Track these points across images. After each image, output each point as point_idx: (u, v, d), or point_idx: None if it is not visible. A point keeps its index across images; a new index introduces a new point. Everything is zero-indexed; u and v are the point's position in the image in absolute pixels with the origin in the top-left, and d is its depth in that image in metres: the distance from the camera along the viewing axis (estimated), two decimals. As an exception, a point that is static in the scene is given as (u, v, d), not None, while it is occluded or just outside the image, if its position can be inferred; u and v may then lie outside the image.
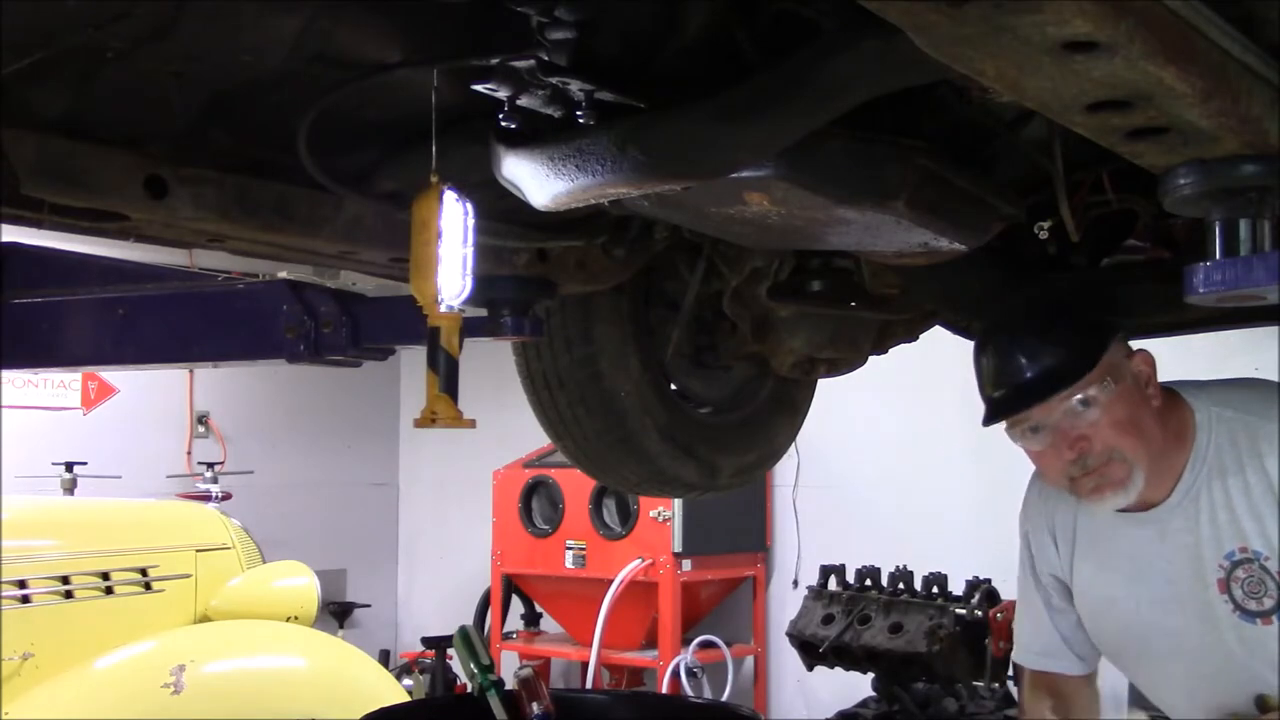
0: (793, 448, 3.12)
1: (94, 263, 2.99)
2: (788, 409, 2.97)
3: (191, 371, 7.27)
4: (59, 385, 6.79)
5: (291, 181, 1.79)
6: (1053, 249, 2.31)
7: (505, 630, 6.89)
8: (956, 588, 5.12)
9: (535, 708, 2.23)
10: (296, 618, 3.85)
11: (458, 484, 7.95)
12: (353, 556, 8.09)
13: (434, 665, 6.71)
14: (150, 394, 7.21)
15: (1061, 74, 1.05)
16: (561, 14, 1.35)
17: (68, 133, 1.58)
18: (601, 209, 1.83)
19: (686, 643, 6.18)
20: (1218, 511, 1.96)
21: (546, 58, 1.39)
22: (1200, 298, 1.34)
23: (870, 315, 2.57)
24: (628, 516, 6.28)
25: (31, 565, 3.35)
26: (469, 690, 2.33)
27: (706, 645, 6.20)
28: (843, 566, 5.56)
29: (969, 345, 2.62)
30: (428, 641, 6.74)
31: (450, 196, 1.59)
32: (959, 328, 2.74)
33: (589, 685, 6.23)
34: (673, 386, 2.71)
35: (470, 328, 1.75)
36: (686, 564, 6.18)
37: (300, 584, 3.97)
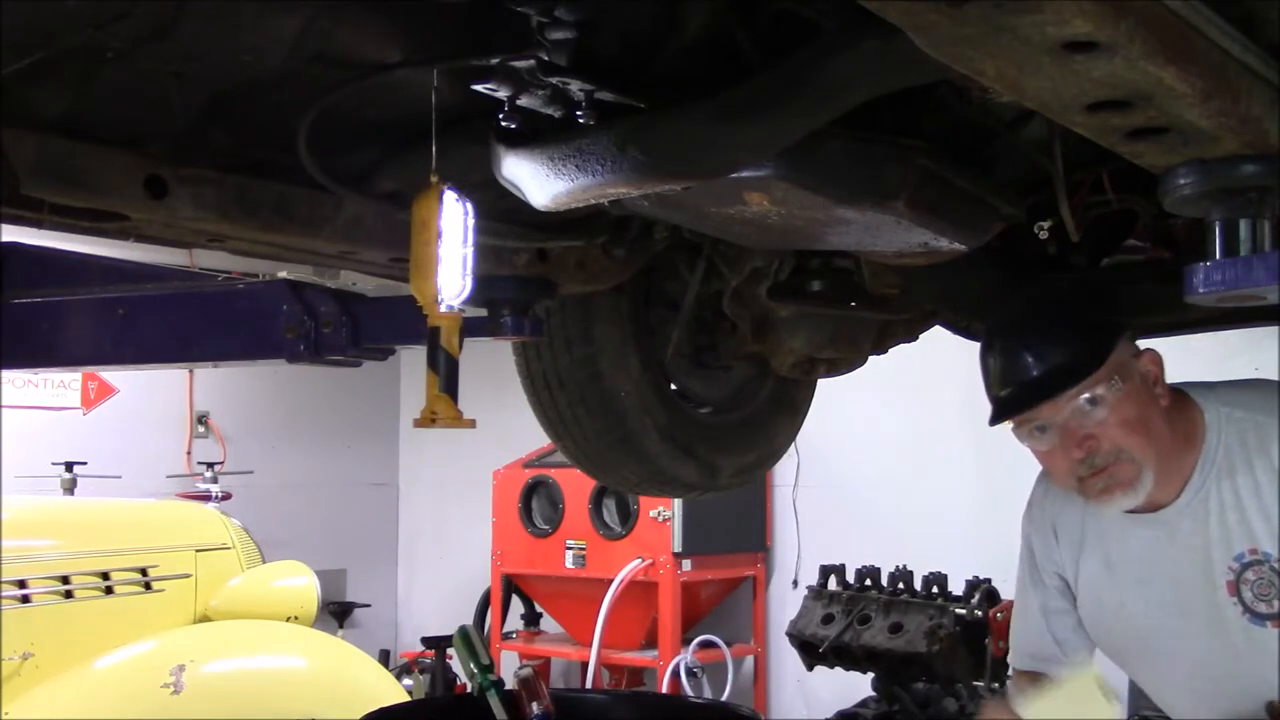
0: (793, 448, 3.12)
1: (94, 263, 2.99)
2: (788, 409, 2.97)
3: (191, 371, 7.27)
4: (59, 385, 6.79)
5: (291, 181, 1.79)
6: (1053, 249, 2.31)
7: (505, 630, 6.89)
8: (956, 588, 5.12)
9: (535, 708, 2.24)
10: (296, 618, 3.85)
11: (458, 484, 7.95)
12: (353, 556, 8.09)
13: (434, 665, 6.71)
14: (150, 394, 7.21)
15: (1061, 74, 1.05)
16: (561, 14, 1.35)
17: (68, 133, 1.58)
18: (601, 209, 1.83)
19: (686, 643, 6.18)
20: (1227, 513, 1.94)
21: (546, 58, 1.39)
22: (1200, 298, 1.34)
23: (870, 315, 2.57)
24: (628, 516, 6.27)
25: (31, 565, 3.35)
26: (469, 690, 2.33)
27: (706, 645, 6.20)
28: (843, 566, 5.56)
29: (969, 345, 2.62)
30: (428, 641, 6.74)
31: (450, 196, 1.59)
32: (959, 328, 2.74)
33: (589, 685, 6.23)
34: (673, 386, 2.71)
35: (470, 328, 1.75)
36: (686, 564, 6.18)
37: (300, 584, 3.97)
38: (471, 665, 2.31)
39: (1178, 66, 1.06)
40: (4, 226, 1.82)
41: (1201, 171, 1.29)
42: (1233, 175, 1.29)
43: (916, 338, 2.79)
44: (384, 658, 6.71)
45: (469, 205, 1.61)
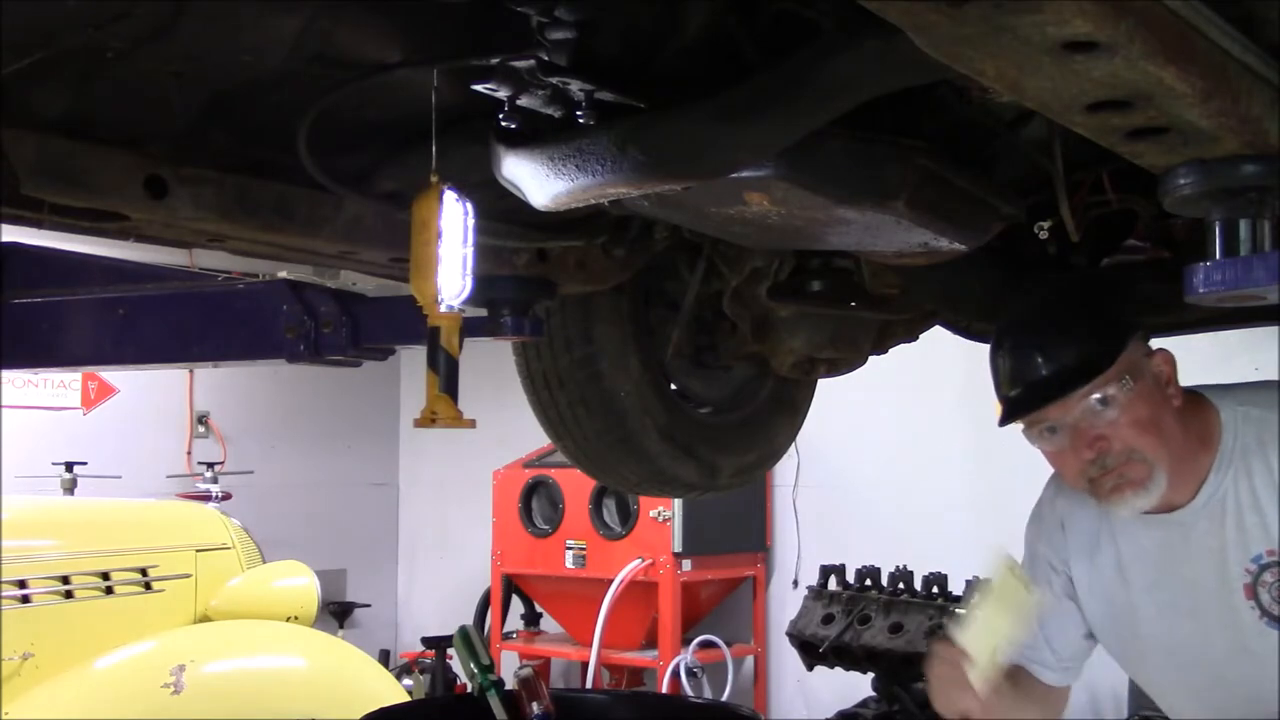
0: (793, 448, 3.12)
1: (94, 263, 2.99)
2: (788, 409, 2.97)
3: (191, 371, 7.27)
4: (59, 385, 6.79)
5: (291, 181, 1.79)
6: (1053, 249, 2.31)
7: (505, 630, 6.89)
8: (956, 588, 5.12)
9: (535, 708, 2.24)
10: (296, 618, 3.85)
11: (458, 484, 7.96)
12: (353, 556, 8.09)
13: (434, 665, 6.71)
14: (150, 394, 7.21)
15: (1061, 74, 1.05)
16: (561, 14, 1.35)
17: (68, 133, 1.58)
18: (601, 209, 1.83)
19: (686, 643, 6.18)
20: (1245, 514, 1.91)
21: (546, 58, 1.39)
22: (1200, 298, 1.34)
23: (870, 315, 2.57)
24: (628, 516, 6.28)
25: (31, 565, 3.35)
26: (469, 690, 2.33)
27: (706, 645, 6.20)
28: (843, 566, 5.56)
29: (969, 345, 2.63)
30: (428, 641, 6.74)
31: (450, 196, 1.59)
32: (959, 328, 2.73)
33: (589, 685, 6.23)
34: (673, 386, 2.71)
35: (470, 328, 1.75)
36: (686, 564, 6.18)
37: (300, 584, 3.97)
38: (471, 665, 2.31)
39: (1178, 66, 1.06)
40: (4, 226, 1.82)
41: (1201, 171, 1.29)
42: (1233, 175, 1.29)
43: (916, 338, 2.79)
44: (384, 658, 6.71)
45: (469, 205, 1.61)
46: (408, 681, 6.44)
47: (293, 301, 2.64)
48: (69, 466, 6.23)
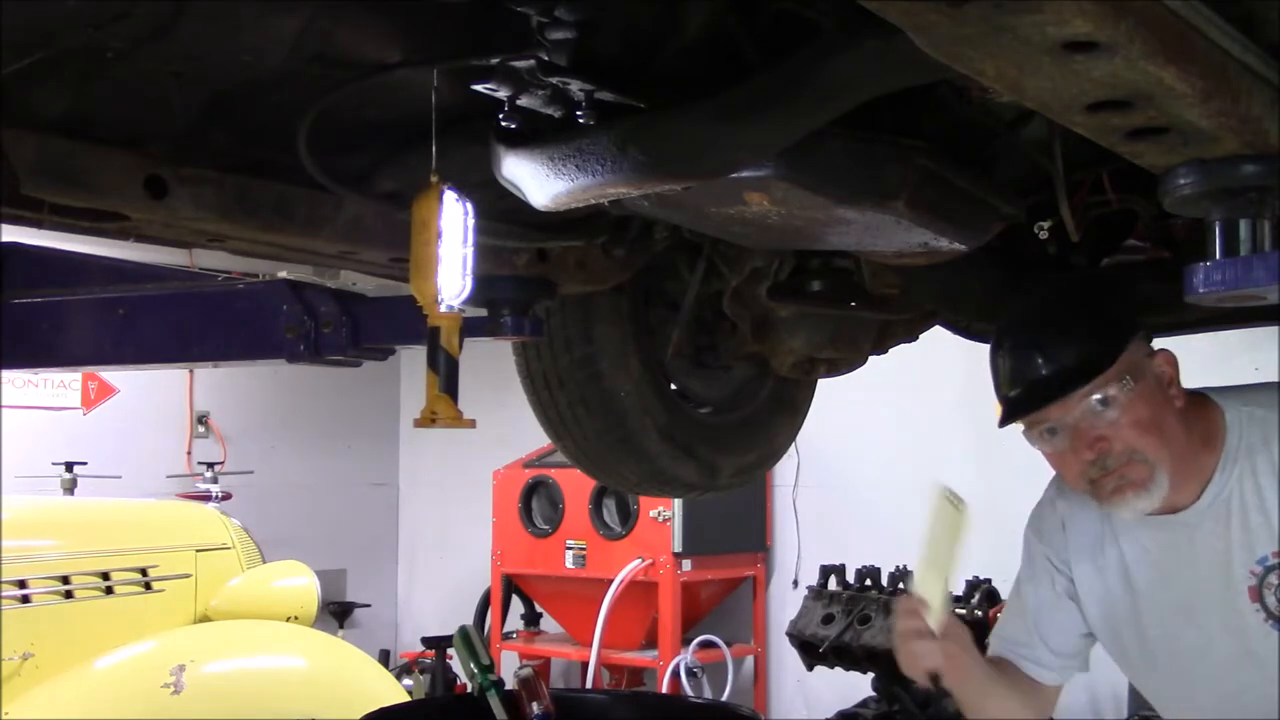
0: (793, 448, 3.12)
1: (94, 263, 2.99)
2: (788, 409, 2.97)
3: (191, 371, 7.27)
4: (59, 385, 6.79)
5: (291, 181, 1.79)
6: (1053, 249, 2.31)
7: (505, 630, 6.89)
8: (956, 588, 5.12)
9: (535, 708, 2.24)
10: (296, 618, 3.85)
11: (458, 484, 7.96)
12: (353, 556, 8.09)
13: (434, 665, 6.71)
14: (150, 394, 7.21)
15: (1061, 74, 1.05)
16: (561, 14, 1.35)
17: (68, 133, 1.58)
18: (601, 209, 1.83)
19: (686, 643, 6.18)
20: (1250, 514, 1.88)
21: (546, 58, 1.39)
22: (1200, 298, 1.34)
23: (870, 315, 2.57)
24: (628, 516, 6.28)
25: (31, 565, 3.35)
26: (469, 690, 2.34)
27: (706, 645, 6.20)
28: (843, 566, 5.56)
29: (969, 345, 2.63)
30: (428, 641, 6.74)
31: (450, 196, 1.59)
32: (959, 328, 2.73)
33: (589, 685, 6.23)
34: (673, 386, 2.71)
35: (470, 328, 1.75)
36: (686, 564, 6.18)
37: (300, 584, 3.97)
38: (471, 665, 2.31)
39: (1178, 66, 1.06)
40: (4, 226, 1.82)
41: (1201, 171, 1.29)
42: (1233, 175, 1.29)
43: (916, 338, 2.79)
44: (384, 658, 6.71)
45: (469, 205, 1.61)
46: (408, 681, 6.44)
47: (293, 301, 2.64)
48: (69, 466, 6.23)
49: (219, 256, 2.20)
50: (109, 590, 3.50)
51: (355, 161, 1.77)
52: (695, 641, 6.18)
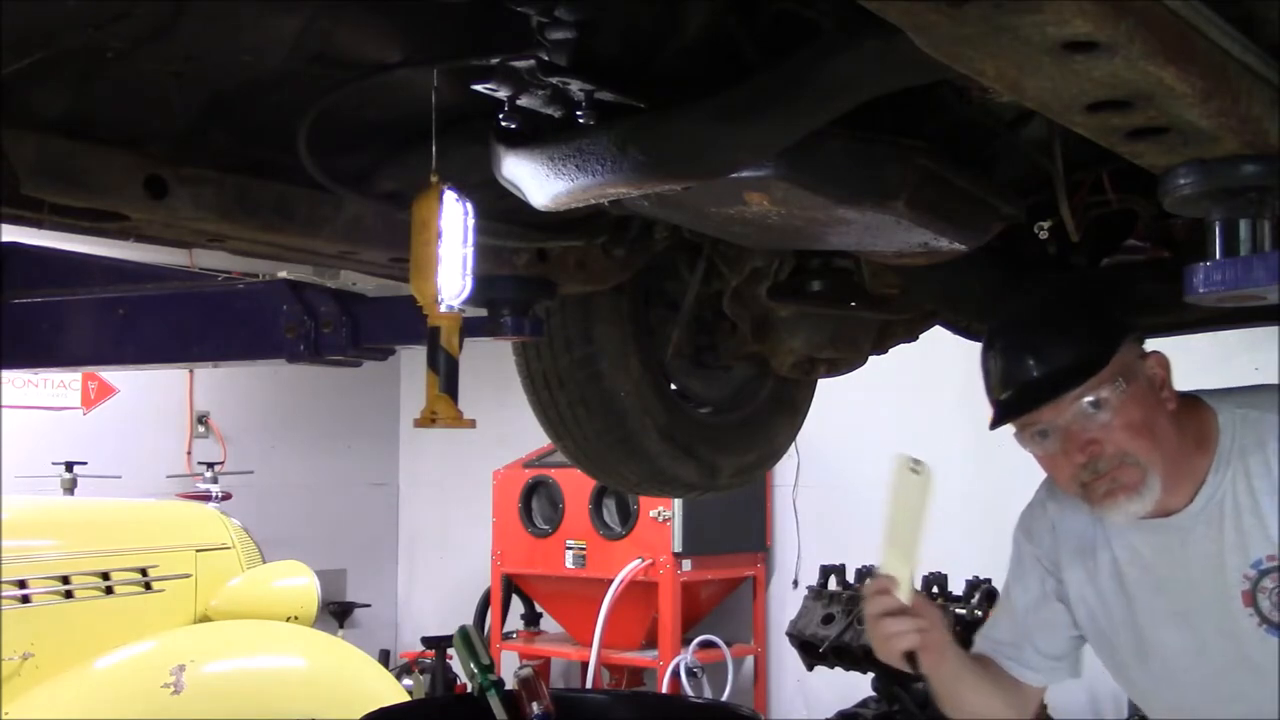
0: (793, 448, 3.12)
1: (94, 263, 2.99)
2: (788, 409, 2.97)
3: (191, 371, 7.27)
4: (59, 385, 6.79)
5: (291, 181, 1.79)
6: (1053, 249, 2.31)
7: (505, 630, 6.89)
8: (956, 588, 5.12)
9: (535, 708, 2.24)
10: (296, 618, 3.85)
11: (458, 484, 7.96)
12: (353, 556, 8.09)
13: (434, 665, 6.71)
14: (150, 394, 7.21)
15: (1061, 74, 1.05)
16: (561, 14, 1.35)
17: (68, 133, 1.58)
18: (601, 209, 1.83)
19: (686, 643, 6.18)
20: (1244, 517, 1.86)
21: (546, 58, 1.39)
22: (1200, 298, 1.34)
23: (870, 315, 2.57)
24: (628, 516, 6.27)
25: (31, 565, 3.35)
26: (469, 690, 2.34)
27: (706, 645, 6.20)
28: (843, 566, 5.55)
29: (969, 345, 2.62)
30: (428, 641, 6.74)
31: (450, 196, 1.59)
32: (959, 328, 2.73)
33: (589, 685, 6.23)
34: (673, 386, 2.71)
35: (470, 328, 1.75)
36: (686, 564, 6.17)
37: (300, 584, 3.97)
38: (471, 665, 2.31)
39: (1178, 66, 1.06)
40: (4, 226, 1.82)
41: (1201, 171, 1.29)
42: (1233, 175, 1.29)
43: (916, 338, 2.79)
44: (384, 658, 6.71)
45: (469, 205, 1.61)
46: (408, 681, 6.45)
47: (293, 301, 2.64)
48: (69, 466, 6.23)
49: (219, 256, 2.20)
50: (109, 590, 3.50)
51: (355, 161, 1.77)
52: (695, 641, 6.18)
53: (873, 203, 1.64)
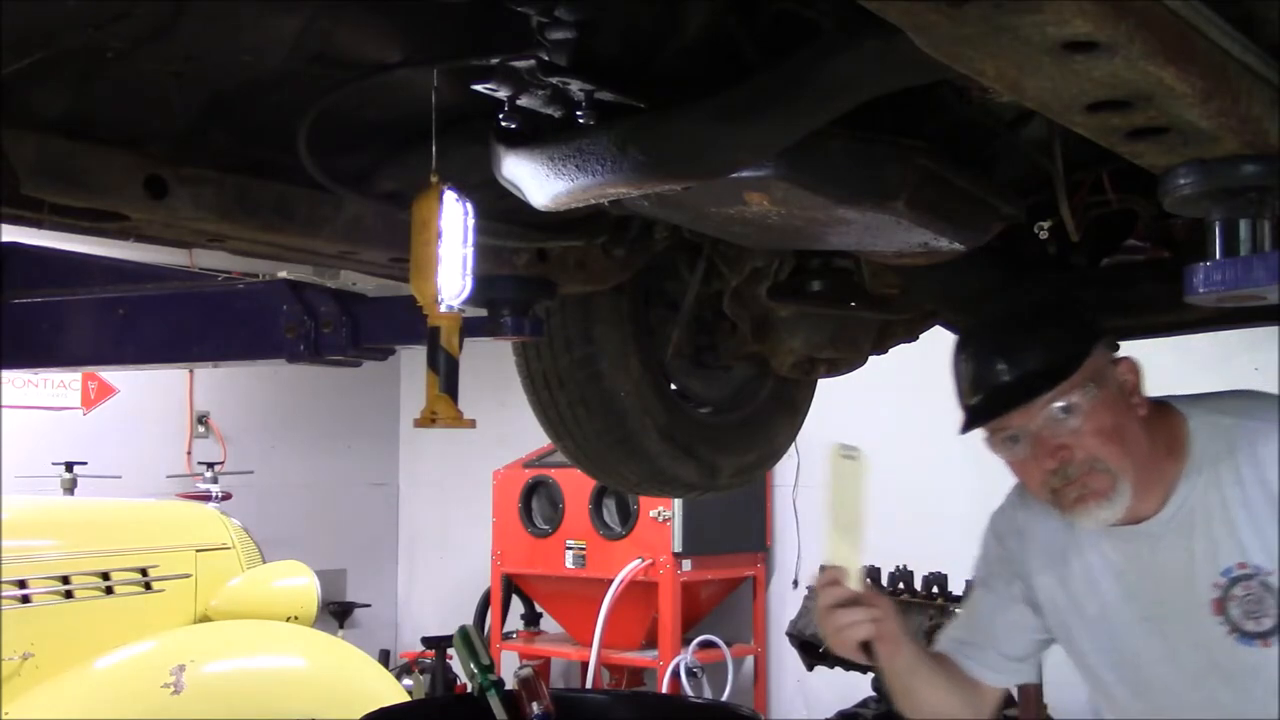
0: (793, 448, 3.12)
1: (94, 263, 3.00)
2: (788, 409, 2.97)
3: (191, 371, 7.27)
4: (59, 385, 6.79)
5: (291, 181, 1.79)
6: (1053, 249, 2.31)
7: (505, 630, 6.89)
8: (956, 588, 5.11)
9: (535, 708, 2.24)
10: (296, 618, 3.85)
11: (458, 484, 7.95)
12: (353, 556, 8.09)
13: (434, 665, 6.71)
14: (150, 394, 7.21)
15: (1061, 74, 1.05)
16: (561, 14, 1.35)
17: (68, 133, 1.58)
18: (601, 209, 1.83)
19: (686, 643, 6.18)
20: (1214, 525, 1.84)
21: (546, 58, 1.39)
22: (1200, 298, 1.34)
23: (870, 315, 2.57)
24: (628, 516, 6.27)
25: (31, 565, 3.35)
26: (469, 690, 2.34)
27: (706, 645, 6.20)
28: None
29: (969, 345, 2.62)
30: (428, 641, 6.74)
31: (450, 196, 1.59)
32: (959, 328, 2.73)
33: (589, 685, 6.23)
34: (673, 386, 2.71)
35: (470, 328, 1.75)
36: (686, 564, 6.17)
37: (300, 584, 3.97)
38: (471, 665, 2.31)
39: (1178, 66, 1.06)
40: (4, 226, 1.82)
41: (1201, 171, 1.29)
42: (1233, 175, 1.29)
43: (916, 338, 2.79)
44: (384, 658, 6.71)
45: (469, 205, 1.61)
46: (408, 681, 6.45)
47: (293, 301, 2.64)
48: (69, 466, 6.23)
49: (219, 256, 2.20)
50: (109, 590, 3.50)
51: (355, 161, 1.77)
52: (695, 641, 6.18)
53: (873, 203, 1.64)
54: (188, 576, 3.71)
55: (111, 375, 6.85)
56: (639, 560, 6.14)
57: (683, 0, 1.44)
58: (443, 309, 1.64)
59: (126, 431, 7.06)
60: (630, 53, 1.44)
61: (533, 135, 1.49)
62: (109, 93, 1.55)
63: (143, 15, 1.37)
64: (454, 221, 1.60)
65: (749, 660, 6.71)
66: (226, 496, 6.62)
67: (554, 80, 1.40)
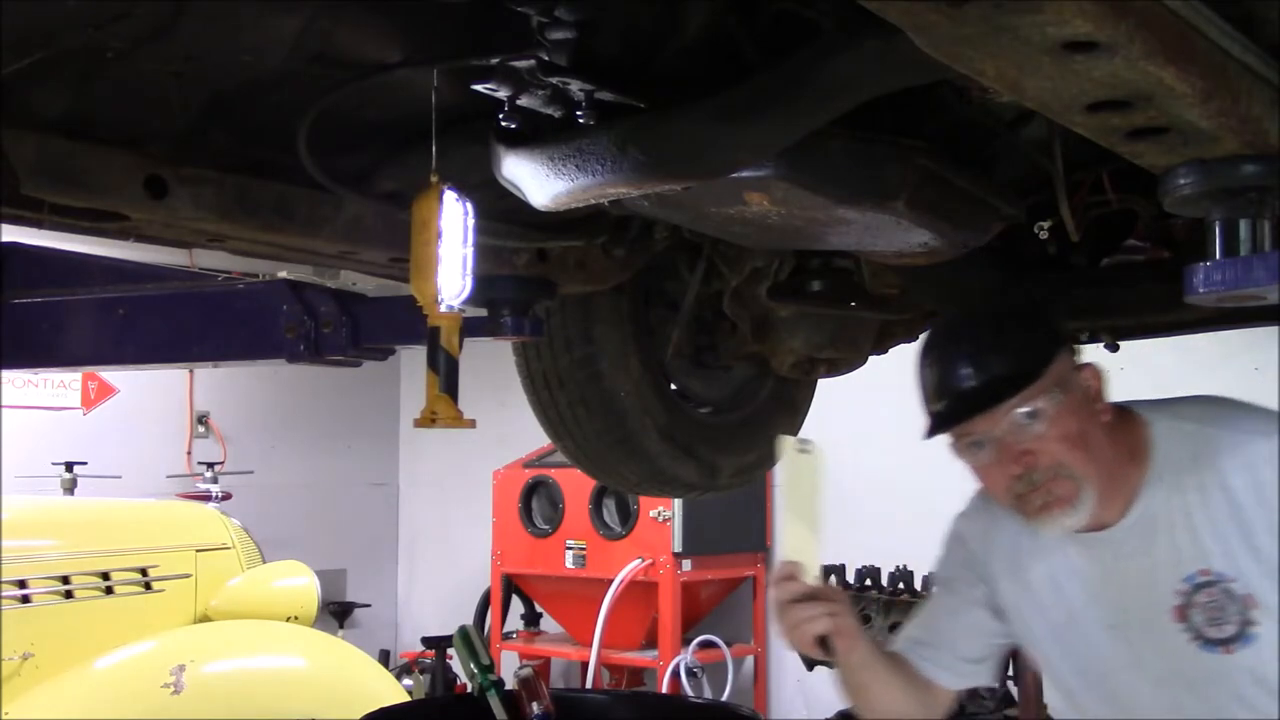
0: (792, 448, 3.12)
1: (94, 263, 3.00)
2: (788, 409, 2.97)
3: (191, 371, 7.27)
4: (59, 385, 6.79)
5: (291, 181, 1.79)
6: (1053, 249, 2.31)
7: (505, 630, 6.89)
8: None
9: (535, 708, 2.24)
10: (296, 618, 3.85)
11: (458, 484, 7.95)
12: (353, 556, 8.09)
13: (434, 665, 6.71)
14: (150, 394, 7.21)
15: (1061, 74, 1.05)
16: (561, 14, 1.35)
17: (68, 133, 1.58)
18: (601, 209, 1.83)
19: (686, 643, 6.18)
20: (1177, 532, 1.82)
21: (546, 58, 1.39)
22: (1200, 298, 1.34)
23: (870, 315, 2.58)
24: (628, 516, 6.27)
25: (31, 565, 3.35)
26: (469, 690, 2.34)
27: (706, 645, 6.20)
28: (843, 567, 5.55)
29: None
30: (428, 641, 6.74)
31: (450, 196, 1.59)
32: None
33: (589, 685, 6.23)
34: (673, 386, 2.71)
35: (470, 328, 1.75)
36: (686, 564, 6.17)
37: (300, 584, 3.97)
38: (471, 665, 2.32)
39: (1178, 66, 1.06)
40: (4, 226, 1.82)
41: (1201, 171, 1.29)
42: (1233, 175, 1.29)
43: (916, 338, 2.78)
44: (384, 658, 6.71)
45: (469, 205, 1.61)
46: (408, 681, 6.45)
47: (293, 301, 2.65)
48: (69, 466, 6.23)
49: (219, 256, 2.20)
50: (109, 590, 3.50)
51: (355, 161, 1.77)
52: (695, 641, 6.18)
53: (873, 203, 1.64)
54: (188, 576, 3.71)
55: (111, 375, 6.86)
56: (639, 560, 6.14)
57: (683, 0, 1.44)
58: (443, 309, 1.64)
59: (126, 431, 7.06)
60: (630, 53, 1.44)
61: (533, 135, 1.49)
62: (109, 93, 1.55)
63: (143, 15, 1.38)
64: (454, 221, 1.60)
65: (749, 660, 6.71)
66: (226, 496, 6.62)
67: (554, 80, 1.41)
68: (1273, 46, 1.22)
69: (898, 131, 1.63)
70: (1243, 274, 1.31)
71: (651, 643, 6.27)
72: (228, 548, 3.89)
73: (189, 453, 7.48)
